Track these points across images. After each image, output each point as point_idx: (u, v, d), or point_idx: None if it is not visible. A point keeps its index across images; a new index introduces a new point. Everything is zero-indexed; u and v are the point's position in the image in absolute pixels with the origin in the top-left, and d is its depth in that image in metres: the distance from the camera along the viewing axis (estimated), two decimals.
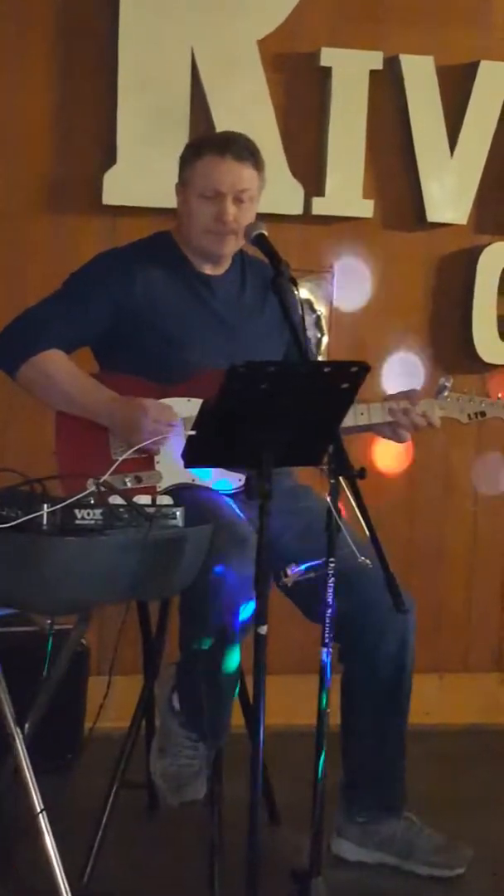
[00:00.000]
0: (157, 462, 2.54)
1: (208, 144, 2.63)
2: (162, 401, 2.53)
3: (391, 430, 2.63)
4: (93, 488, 2.17)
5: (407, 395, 2.63)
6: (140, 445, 2.45)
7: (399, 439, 2.64)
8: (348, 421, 2.54)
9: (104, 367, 2.68)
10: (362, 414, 2.58)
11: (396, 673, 2.59)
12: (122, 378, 2.59)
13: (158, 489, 2.50)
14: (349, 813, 2.68)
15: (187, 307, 2.63)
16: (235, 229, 2.57)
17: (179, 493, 2.46)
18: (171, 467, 2.48)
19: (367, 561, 2.11)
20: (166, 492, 2.47)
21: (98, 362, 2.71)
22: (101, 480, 2.20)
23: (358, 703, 2.62)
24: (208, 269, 2.68)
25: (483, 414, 2.69)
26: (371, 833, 2.66)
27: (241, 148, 2.60)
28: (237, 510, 2.48)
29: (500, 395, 2.72)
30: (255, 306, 2.67)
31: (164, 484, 2.53)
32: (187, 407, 2.50)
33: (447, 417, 2.66)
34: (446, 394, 2.65)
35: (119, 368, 2.61)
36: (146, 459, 2.53)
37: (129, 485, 2.49)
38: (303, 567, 2.26)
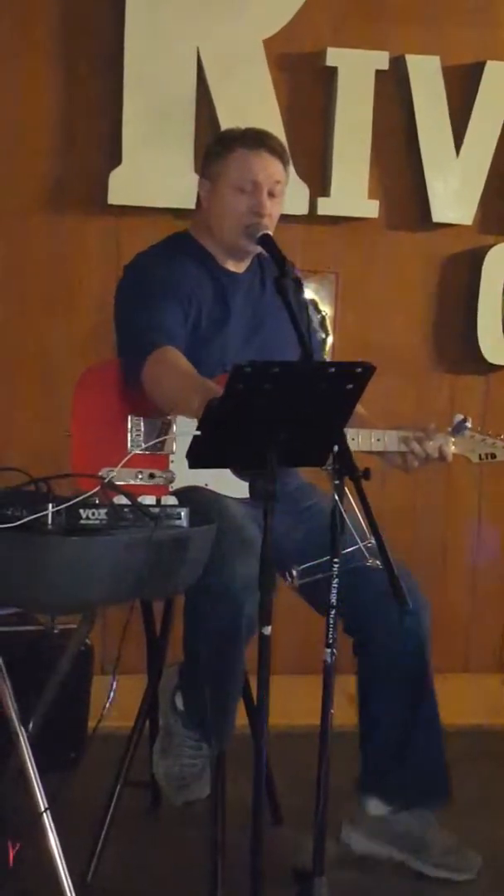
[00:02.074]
0: (172, 461, 2.53)
1: (241, 138, 2.61)
2: None
3: (402, 459, 2.61)
4: (103, 480, 2.16)
5: (422, 427, 2.61)
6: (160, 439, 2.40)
7: (408, 468, 2.62)
8: (363, 446, 2.55)
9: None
10: (378, 440, 2.57)
11: (415, 664, 2.59)
12: None
13: (171, 489, 2.50)
14: (363, 803, 2.67)
15: (216, 305, 2.62)
16: (269, 223, 2.56)
17: (187, 493, 2.46)
18: (185, 468, 2.47)
19: (377, 563, 2.11)
20: (175, 492, 2.47)
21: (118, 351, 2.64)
22: (113, 473, 2.19)
23: (375, 695, 2.61)
24: (232, 267, 2.67)
25: (493, 456, 2.67)
26: (384, 826, 2.65)
27: (274, 142, 2.62)
28: (244, 511, 2.48)
29: None
30: (275, 305, 2.65)
31: (178, 484, 2.51)
32: None
33: (457, 455, 2.66)
34: (464, 433, 2.64)
35: None
36: (161, 458, 2.52)
37: (140, 481, 2.48)
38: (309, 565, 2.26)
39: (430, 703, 2.63)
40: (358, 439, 2.55)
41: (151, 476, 2.50)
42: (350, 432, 2.50)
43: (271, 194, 2.58)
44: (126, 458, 2.31)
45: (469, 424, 2.64)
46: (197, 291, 2.59)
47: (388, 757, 2.64)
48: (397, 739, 2.62)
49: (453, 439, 2.64)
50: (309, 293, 3.45)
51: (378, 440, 2.58)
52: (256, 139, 2.60)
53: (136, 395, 2.52)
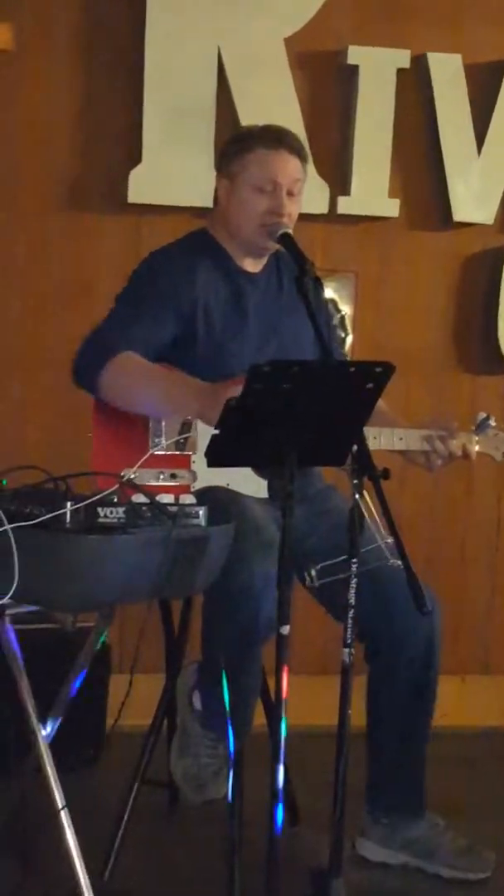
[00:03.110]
0: (194, 461, 2.53)
1: (261, 136, 2.59)
2: None
3: (425, 458, 2.61)
4: (121, 479, 2.16)
5: (445, 426, 2.61)
6: (178, 438, 2.40)
7: (431, 467, 2.61)
8: (385, 445, 2.54)
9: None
10: (400, 439, 2.56)
11: (422, 673, 2.58)
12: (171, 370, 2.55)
13: (192, 489, 2.49)
14: (374, 813, 2.67)
15: (233, 305, 2.61)
16: (288, 222, 2.55)
17: (206, 493, 2.46)
18: (207, 468, 2.47)
19: (398, 562, 2.10)
20: (194, 491, 2.47)
21: None
22: (134, 470, 2.19)
23: (383, 703, 2.62)
24: (249, 266, 2.66)
25: None
26: (395, 834, 2.66)
27: (293, 140, 2.61)
28: (263, 511, 2.48)
29: None
30: (292, 304, 2.65)
31: (199, 484, 2.51)
32: None
33: (481, 453, 2.65)
34: (487, 430, 2.63)
35: (167, 362, 2.57)
36: (183, 457, 2.52)
37: (162, 481, 2.48)
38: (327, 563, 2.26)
39: (426, 720, 2.64)
40: (380, 438, 2.54)
41: (173, 476, 2.50)
42: (372, 431, 2.49)
43: (290, 193, 2.58)
44: (144, 458, 2.31)
45: (492, 422, 2.63)
46: (208, 294, 2.58)
47: (390, 767, 2.65)
48: (398, 750, 2.63)
49: (477, 438, 2.63)
50: (328, 292, 3.44)
51: (401, 439, 2.57)
52: (276, 138, 2.59)
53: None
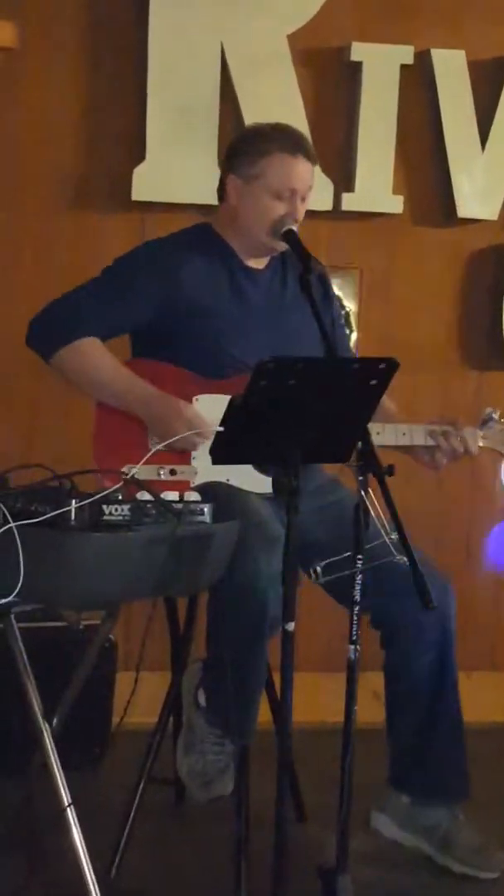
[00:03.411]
0: (194, 458, 2.53)
1: (278, 140, 2.59)
2: (203, 396, 2.52)
3: (429, 455, 2.61)
4: (125, 476, 2.17)
5: (450, 421, 2.61)
6: (168, 442, 2.43)
7: (436, 465, 2.61)
8: (389, 440, 2.54)
9: (137, 355, 2.66)
10: (404, 434, 2.57)
11: (440, 657, 2.59)
12: (161, 367, 2.57)
13: (192, 485, 2.50)
14: (396, 791, 2.67)
15: (230, 300, 2.62)
16: (295, 224, 2.57)
17: (210, 489, 2.46)
18: (207, 463, 2.47)
19: (404, 559, 2.10)
20: (199, 488, 2.47)
21: (133, 350, 2.69)
22: (135, 470, 2.20)
23: (402, 688, 2.61)
24: (252, 263, 2.67)
25: None
26: (415, 817, 2.65)
27: (309, 146, 2.62)
28: (267, 507, 2.48)
29: None
30: (296, 301, 2.65)
31: (199, 480, 2.52)
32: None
33: (488, 449, 2.65)
34: (492, 424, 2.62)
35: (158, 358, 2.60)
36: (184, 454, 2.53)
37: (163, 477, 2.48)
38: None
39: (453, 698, 2.63)
40: (384, 433, 2.54)
41: (173, 472, 2.50)
42: (375, 426, 2.50)
43: (303, 198, 2.59)
44: (148, 455, 2.31)
45: (496, 416, 2.62)
46: (201, 288, 2.58)
47: (411, 751, 2.64)
48: (419, 734, 2.62)
49: (482, 433, 2.63)
50: (333, 289, 3.43)
51: (404, 434, 2.57)
52: (295, 144, 2.59)
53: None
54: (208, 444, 2.44)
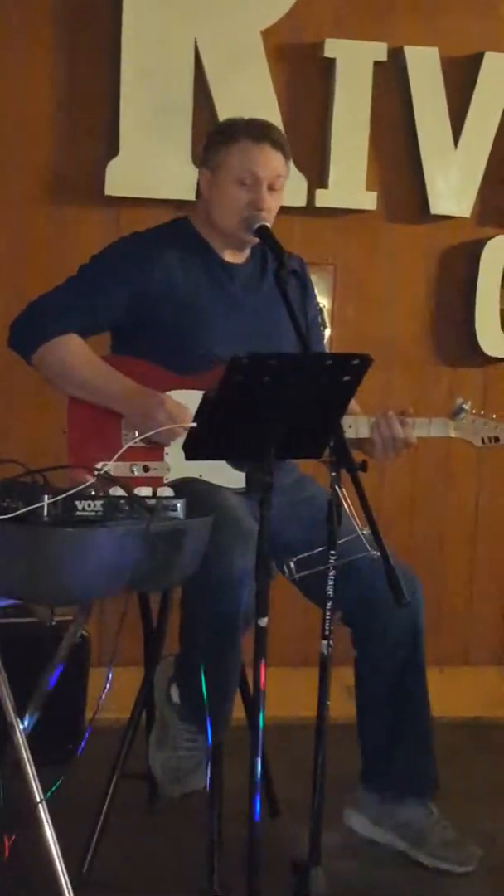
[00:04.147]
0: (167, 454, 2.53)
1: (243, 130, 2.59)
2: (178, 392, 2.52)
3: (379, 447, 2.58)
4: (98, 472, 2.16)
5: (400, 412, 2.60)
6: (148, 434, 2.43)
7: (380, 456, 2.58)
8: None
9: (117, 352, 2.67)
10: (350, 427, 2.55)
11: (410, 655, 2.60)
12: (135, 363, 2.58)
13: (165, 481, 2.50)
14: (368, 789, 2.68)
15: (207, 294, 2.62)
16: (268, 216, 2.56)
17: (184, 485, 2.46)
18: (180, 460, 2.47)
19: (377, 553, 2.11)
20: (172, 483, 2.47)
21: (112, 346, 2.70)
22: (106, 466, 2.19)
23: (372, 686, 2.63)
24: (229, 257, 2.67)
25: (497, 439, 2.65)
26: (388, 814, 2.66)
27: (277, 134, 2.61)
28: (241, 503, 2.48)
29: None
30: (274, 296, 2.64)
31: (172, 476, 2.52)
32: None
33: (461, 439, 2.65)
34: (463, 415, 2.63)
35: (135, 354, 2.60)
36: (156, 450, 2.53)
37: (136, 473, 2.48)
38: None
39: (422, 694, 2.64)
40: None
41: (146, 469, 2.50)
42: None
43: (271, 188, 2.58)
44: (121, 451, 2.31)
45: (467, 407, 2.63)
46: (176, 281, 2.58)
47: (382, 749, 2.65)
48: (390, 731, 2.63)
49: (453, 424, 2.63)
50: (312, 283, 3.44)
51: (350, 427, 2.56)
52: (260, 131, 2.59)
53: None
54: (181, 440, 2.45)
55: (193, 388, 2.49)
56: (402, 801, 2.66)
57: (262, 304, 2.65)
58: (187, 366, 2.55)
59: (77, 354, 2.56)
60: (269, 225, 2.54)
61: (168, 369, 2.56)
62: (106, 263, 2.63)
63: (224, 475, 2.48)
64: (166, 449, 2.53)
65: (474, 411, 2.65)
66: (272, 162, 2.57)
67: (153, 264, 2.58)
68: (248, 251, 2.68)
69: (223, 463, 2.43)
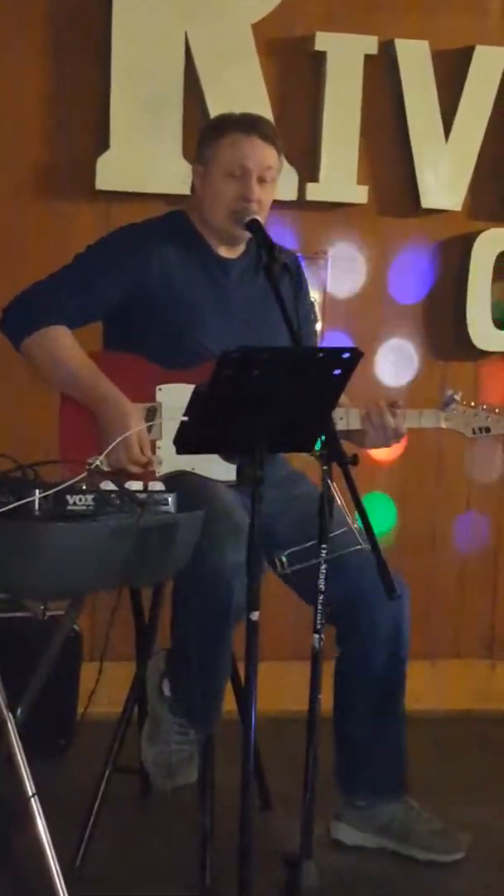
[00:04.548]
0: (159, 447, 2.53)
1: (234, 123, 2.59)
2: (169, 386, 2.52)
3: (372, 439, 2.59)
4: (89, 468, 2.16)
5: (389, 403, 2.60)
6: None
7: (375, 448, 2.60)
8: None
9: (109, 346, 2.66)
10: (341, 419, 2.56)
11: (390, 657, 2.60)
12: (127, 358, 2.57)
13: (157, 474, 2.50)
14: (347, 798, 2.69)
15: (201, 289, 2.61)
16: (258, 209, 2.55)
17: (176, 479, 2.46)
18: (172, 453, 2.47)
19: (368, 547, 2.11)
20: (165, 477, 2.47)
21: (104, 340, 2.69)
22: (96, 461, 2.19)
23: (353, 687, 2.63)
24: (224, 252, 2.66)
25: (488, 430, 2.65)
26: (370, 818, 2.67)
27: (267, 127, 2.61)
28: (232, 497, 2.48)
29: None
30: (268, 290, 2.63)
31: (164, 470, 2.52)
32: None
33: (452, 430, 2.65)
34: (454, 406, 2.63)
35: (127, 348, 2.60)
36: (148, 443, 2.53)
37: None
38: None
39: (400, 694, 2.66)
40: None
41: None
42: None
43: (262, 180, 2.57)
44: (112, 445, 2.31)
45: (458, 398, 2.63)
46: (171, 274, 2.58)
47: (359, 750, 2.66)
48: (367, 732, 2.64)
49: (444, 415, 2.64)
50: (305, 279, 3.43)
51: (342, 419, 2.56)
52: (250, 124, 2.59)
53: (123, 383, 2.53)
54: (173, 434, 2.44)
55: (185, 383, 2.48)
56: (383, 801, 2.66)
57: (256, 299, 2.65)
58: (179, 359, 2.55)
59: (63, 349, 2.56)
60: (259, 218, 2.54)
61: (160, 364, 2.56)
62: (102, 253, 2.63)
63: (216, 469, 2.48)
64: (158, 443, 2.53)
65: (465, 402, 2.65)
66: (261, 154, 2.57)
67: (149, 255, 2.58)
68: (242, 246, 2.68)
69: (215, 456, 2.43)
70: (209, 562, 2.32)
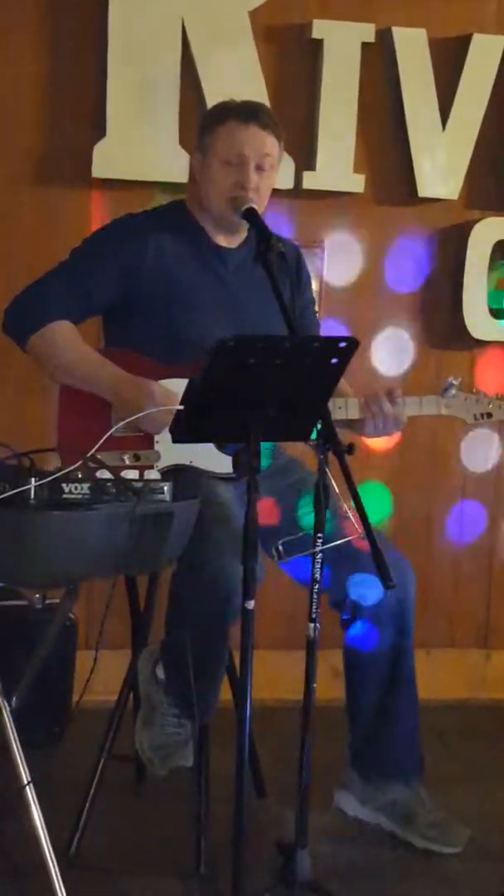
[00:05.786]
0: (157, 441, 2.53)
1: (232, 111, 2.59)
2: (168, 381, 2.52)
3: (371, 426, 2.59)
4: (86, 457, 2.16)
5: (387, 391, 2.60)
6: (135, 417, 2.39)
7: (370, 433, 2.60)
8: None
9: (109, 343, 2.67)
10: (340, 408, 2.56)
11: (397, 638, 2.60)
12: (126, 354, 2.57)
13: (156, 468, 2.50)
14: (356, 770, 2.70)
15: (199, 279, 2.61)
16: (255, 197, 2.55)
17: (173, 473, 2.45)
18: (170, 447, 2.47)
19: (363, 535, 2.11)
20: (163, 472, 2.46)
21: (104, 339, 2.70)
22: (94, 453, 2.19)
23: (360, 670, 2.63)
24: (222, 241, 2.66)
25: (489, 415, 2.65)
26: (375, 794, 2.68)
27: (265, 115, 2.60)
28: (232, 495, 2.48)
29: None
30: (266, 280, 2.63)
31: (162, 464, 2.52)
32: None
33: (452, 417, 2.65)
34: (453, 392, 2.62)
35: (126, 342, 2.60)
36: (146, 438, 2.53)
37: (127, 462, 2.48)
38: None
39: (410, 676, 2.65)
40: None
41: (136, 457, 2.50)
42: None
43: (260, 168, 2.57)
44: (106, 436, 2.31)
45: (457, 383, 2.63)
46: (167, 264, 2.58)
47: (370, 730, 2.66)
48: (378, 713, 2.64)
49: (444, 402, 2.64)
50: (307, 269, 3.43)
51: (340, 408, 2.56)
52: (248, 112, 2.58)
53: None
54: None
55: (184, 377, 2.48)
56: (390, 782, 2.67)
57: (254, 288, 2.64)
58: (176, 351, 2.54)
59: (69, 342, 2.56)
60: (256, 206, 2.53)
61: (157, 359, 2.55)
62: (98, 244, 2.63)
63: (214, 461, 2.48)
64: (156, 437, 2.53)
65: (460, 387, 2.65)
66: (259, 142, 2.56)
67: (145, 245, 2.58)
68: (242, 235, 2.68)
69: (213, 450, 2.43)
70: (210, 564, 2.32)
